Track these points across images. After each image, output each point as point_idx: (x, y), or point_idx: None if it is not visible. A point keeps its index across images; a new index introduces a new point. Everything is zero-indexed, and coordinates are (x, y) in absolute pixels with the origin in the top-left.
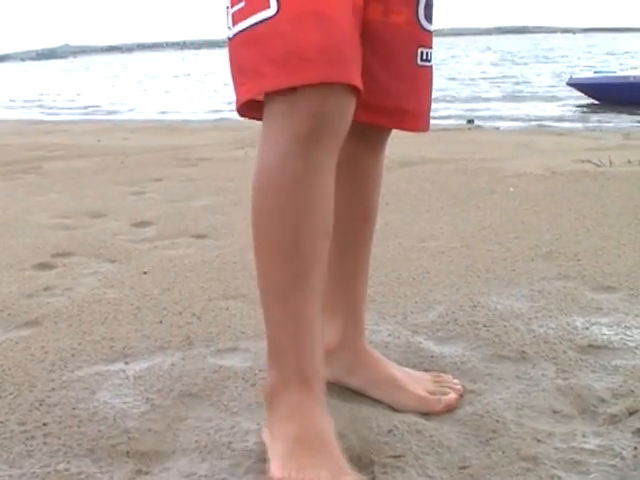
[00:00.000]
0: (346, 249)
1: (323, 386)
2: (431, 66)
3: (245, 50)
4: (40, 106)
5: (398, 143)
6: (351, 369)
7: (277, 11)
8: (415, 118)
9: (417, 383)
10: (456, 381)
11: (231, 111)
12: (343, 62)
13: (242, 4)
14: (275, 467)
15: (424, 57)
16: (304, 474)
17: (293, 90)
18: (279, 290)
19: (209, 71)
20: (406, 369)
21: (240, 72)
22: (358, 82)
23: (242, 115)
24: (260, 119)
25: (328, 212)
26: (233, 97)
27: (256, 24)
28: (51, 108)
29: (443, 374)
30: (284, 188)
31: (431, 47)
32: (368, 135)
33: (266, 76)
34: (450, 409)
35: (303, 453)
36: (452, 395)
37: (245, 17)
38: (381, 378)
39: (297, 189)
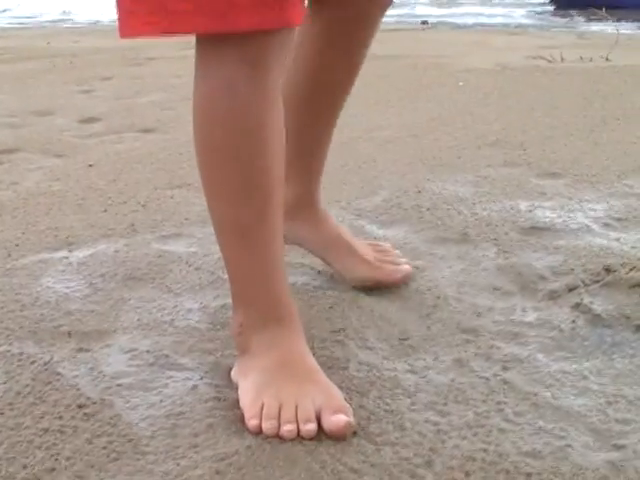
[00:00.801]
0: (322, 112)
1: (299, 323)
2: None
3: None
4: None
5: None
6: (307, 230)
7: None
8: None
9: (367, 252)
10: (398, 252)
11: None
12: (275, 2)
13: None
14: (246, 405)
15: None
16: (281, 398)
17: None
18: (240, 231)
19: None
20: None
21: (139, 2)
22: (296, 18)
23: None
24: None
25: (282, 137)
26: None
27: None
28: None
29: (382, 243)
30: (235, 115)
31: None
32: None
33: (180, 14)
34: (407, 281)
35: (280, 380)
36: (407, 266)
37: None
38: (334, 244)
39: (250, 115)
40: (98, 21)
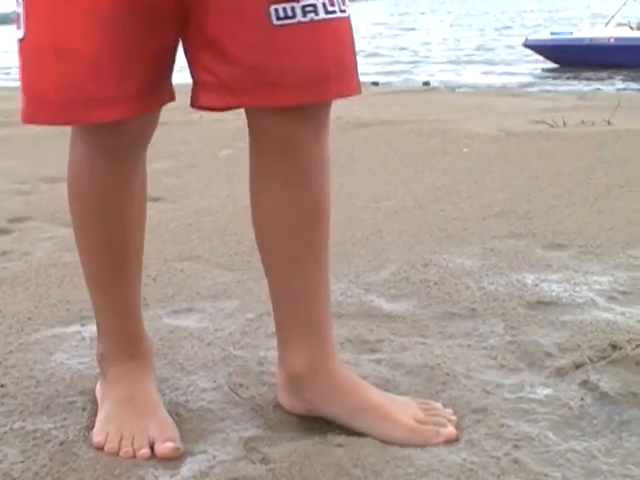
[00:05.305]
0: (299, 258)
1: (150, 359)
2: (308, 22)
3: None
4: None
5: (353, 105)
6: (326, 397)
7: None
8: (289, 89)
9: (405, 411)
10: (449, 411)
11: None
12: (85, 101)
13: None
14: (95, 430)
15: (282, 14)
16: (122, 431)
17: None
18: (98, 281)
19: None
20: (390, 394)
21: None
22: (106, 115)
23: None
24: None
25: (138, 211)
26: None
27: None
28: (8, 74)
29: (432, 402)
30: (93, 197)
31: (297, 1)
32: (302, 114)
33: (23, 103)
34: (450, 442)
35: (125, 414)
36: (451, 428)
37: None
38: (362, 406)
39: (104, 197)
40: None
